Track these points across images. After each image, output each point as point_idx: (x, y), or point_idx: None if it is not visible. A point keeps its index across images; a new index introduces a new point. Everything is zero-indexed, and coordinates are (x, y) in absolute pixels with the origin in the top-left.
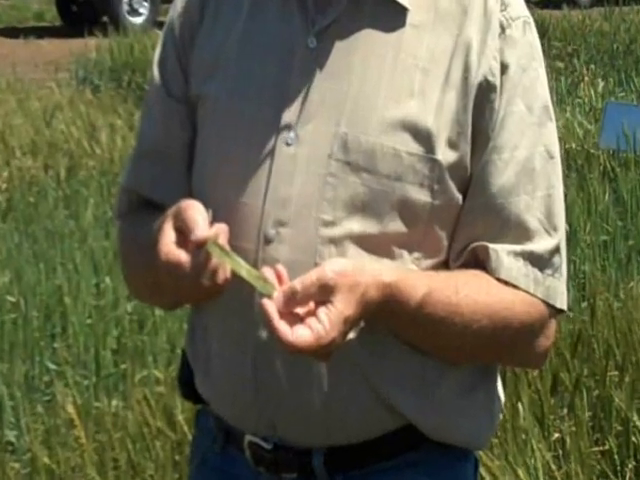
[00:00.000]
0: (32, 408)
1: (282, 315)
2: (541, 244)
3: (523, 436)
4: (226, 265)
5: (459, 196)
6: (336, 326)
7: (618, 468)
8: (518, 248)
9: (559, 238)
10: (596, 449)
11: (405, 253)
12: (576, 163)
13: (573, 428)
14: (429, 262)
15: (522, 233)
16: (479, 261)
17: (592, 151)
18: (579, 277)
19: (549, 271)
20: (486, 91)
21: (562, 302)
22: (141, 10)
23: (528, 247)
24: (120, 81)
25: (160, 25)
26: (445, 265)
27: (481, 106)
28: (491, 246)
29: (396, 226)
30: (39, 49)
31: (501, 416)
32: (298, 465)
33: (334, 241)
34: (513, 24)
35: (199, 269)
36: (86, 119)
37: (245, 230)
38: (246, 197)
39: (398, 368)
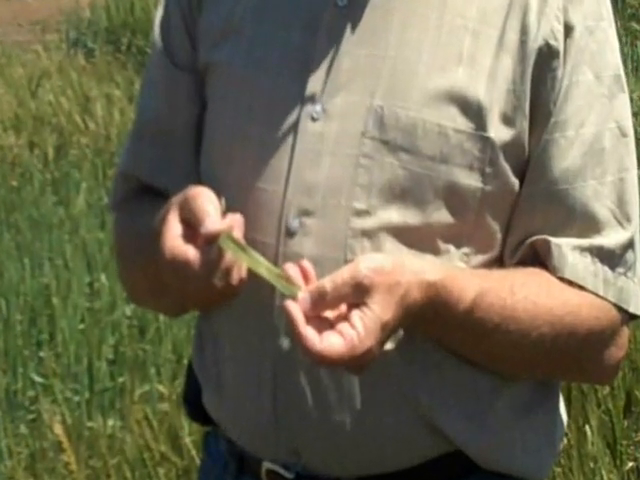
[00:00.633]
0: (14, 428)
1: (308, 320)
2: (612, 237)
3: (591, 465)
4: (242, 262)
5: (515, 181)
6: (372, 333)
7: None
8: (585, 242)
9: (633, 230)
10: None
11: (452, 248)
12: None
13: None
14: (480, 258)
15: (589, 225)
16: (539, 258)
17: None
18: None
19: (621, 269)
20: (547, 57)
21: (637, 306)
22: None
23: (596, 241)
24: (118, 44)
25: None
26: (499, 262)
27: (541, 75)
28: (553, 240)
29: (441, 216)
30: (24, 7)
31: (565, 441)
32: None
33: (368, 234)
34: None
35: (210, 268)
36: (78, 89)
37: (263, 221)
38: (264, 182)
39: (444, 384)
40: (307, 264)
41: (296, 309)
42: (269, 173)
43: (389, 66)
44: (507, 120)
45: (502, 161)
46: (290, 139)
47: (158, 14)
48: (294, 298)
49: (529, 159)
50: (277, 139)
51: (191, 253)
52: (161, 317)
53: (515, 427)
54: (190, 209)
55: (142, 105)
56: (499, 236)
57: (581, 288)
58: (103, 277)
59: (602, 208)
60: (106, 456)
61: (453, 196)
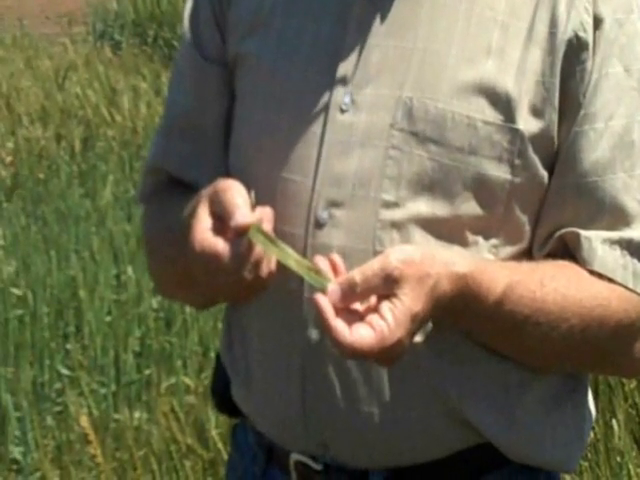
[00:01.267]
0: (41, 420)
1: (338, 312)
2: None
3: (618, 459)
4: (271, 255)
5: (544, 173)
6: (402, 324)
7: None
8: (614, 235)
9: None
10: None
11: (481, 240)
12: None
13: None
14: (509, 250)
15: (619, 217)
16: (568, 250)
17: None
18: None
19: None
20: (577, 49)
21: None
22: None
23: (626, 234)
24: (145, 36)
25: None
26: (527, 254)
27: (570, 67)
28: (583, 233)
29: (470, 208)
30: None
31: (592, 434)
32: None
33: (397, 225)
34: None
35: (240, 261)
36: (105, 81)
37: (292, 213)
38: (293, 174)
39: (474, 376)
40: (336, 257)
41: (325, 301)
42: (298, 164)
43: (418, 58)
44: (536, 112)
45: (531, 153)
46: (319, 130)
47: (187, 7)
48: (323, 290)
49: (558, 151)
50: (306, 131)
51: (221, 246)
52: (187, 309)
53: (545, 421)
54: (220, 202)
55: (171, 99)
56: (528, 228)
57: (610, 281)
58: (130, 269)
59: (631, 201)
60: (132, 448)
61: (482, 188)
